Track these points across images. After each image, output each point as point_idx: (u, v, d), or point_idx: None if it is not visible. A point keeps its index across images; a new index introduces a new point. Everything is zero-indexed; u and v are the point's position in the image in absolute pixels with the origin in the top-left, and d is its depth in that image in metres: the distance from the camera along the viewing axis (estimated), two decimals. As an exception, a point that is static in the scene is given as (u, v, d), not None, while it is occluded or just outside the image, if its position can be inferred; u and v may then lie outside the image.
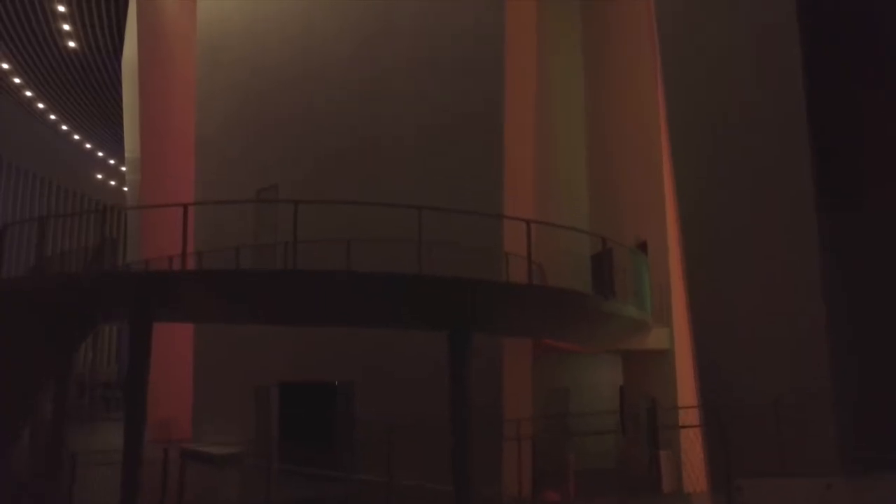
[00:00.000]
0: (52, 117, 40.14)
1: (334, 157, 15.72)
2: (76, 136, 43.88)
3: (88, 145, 45.78)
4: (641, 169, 15.15)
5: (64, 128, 42.11)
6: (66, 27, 28.18)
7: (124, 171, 47.74)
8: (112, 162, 49.00)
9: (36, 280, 10.51)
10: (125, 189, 49.47)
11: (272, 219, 13.55)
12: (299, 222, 14.10)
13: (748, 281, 11.70)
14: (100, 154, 47.64)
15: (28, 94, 36.11)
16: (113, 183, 51.18)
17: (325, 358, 15.37)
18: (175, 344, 19.51)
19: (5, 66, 32.37)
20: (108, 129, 41.63)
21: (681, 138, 13.16)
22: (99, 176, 50.23)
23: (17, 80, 34.23)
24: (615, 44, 16.75)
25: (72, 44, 29.78)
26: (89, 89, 35.79)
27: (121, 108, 33.39)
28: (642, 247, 14.69)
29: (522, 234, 12.63)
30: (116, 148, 44.53)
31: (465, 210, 10.50)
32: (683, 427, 12.51)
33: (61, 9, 26.57)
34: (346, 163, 15.53)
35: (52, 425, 13.50)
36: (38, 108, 38.21)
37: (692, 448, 12.45)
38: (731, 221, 12.18)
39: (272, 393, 16.39)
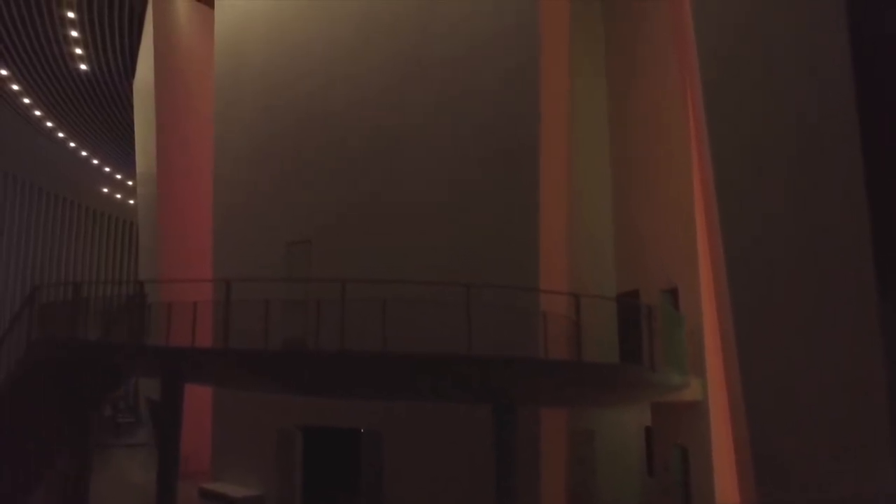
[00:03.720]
0: (61, 135, 40.06)
1: (359, 204, 15.36)
2: (84, 153, 43.81)
3: (95, 161, 45.72)
4: (671, 212, 14.90)
5: (72, 145, 42.02)
6: (78, 51, 28.03)
7: (131, 185, 47.88)
8: (119, 176, 48.98)
9: (68, 348, 10.34)
10: (131, 202, 49.76)
11: (304, 274, 13.33)
12: (331, 273, 13.89)
13: (802, 342, 11.00)
14: (106, 169, 47.59)
15: (37, 113, 36.00)
16: (119, 196, 51.19)
17: (351, 402, 15.17)
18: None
19: (15, 87, 32.27)
20: (115, 144, 41.57)
21: (728, 188, 12.03)
22: (105, 190, 50.19)
23: (26, 101, 34.13)
24: (642, 85, 16.55)
25: (83, 66, 29.63)
26: (98, 107, 35.67)
27: (129, 125, 33.32)
28: (673, 293, 14.50)
29: (558, 286, 12.46)
30: (122, 162, 44.51)
31: (509, 285, 10.28)
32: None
33: (74, 34, 26.45)
34: (373, 212, 15.15)
35: (74, 478, 13.40)
36: (46, 126, 38.12)
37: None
38: (782, 275, 11.35)
39: (296, 438, 16.14)
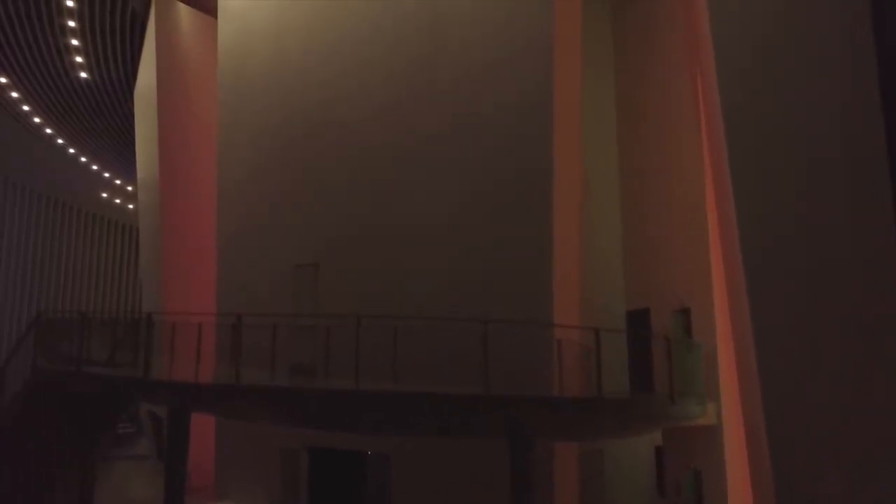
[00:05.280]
0: (60, 141, 39.88)
1: (367, 225, 15.01)
2: (83, 159, 43.64)
3: (95, 167, 45.59)
4: (683, 231, 14.68)
5: (71, 151, 41.82)
6: (79, 59, 27.78)
7: (130, 190, 47.81)
8: (118, 182, 48.92)
9: (77, 380, 10.12)
10: (130, 207, 49.71)
11: (311, 298, 13.06)
12: (338, 296, 13.64)
13: (825, 364, 10.36)
14: (106, 174, 47.50)
15: (36, 120, 35.78)
16: (118, 201, 51.10)
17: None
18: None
19: (14, 94, 32.04)
20: (114, 151, 41.48)
21: (748, 206, 11.27)
22: (104, 194, 50.11)
23: (25, 108, 33.88)
24: (651, 94, 16.33)
25: (83, 74, 29.38)
26: (98, 115, 35.48)
27: (128, 131, 33.21)
28: (685, 313, 14.30)
29: (570, 315, 12.24)
30: (121, 167, 44.39)
31: (525, 322, 10.04)
32: None
33: (74, 42, 26.19)
34: (381, 232, 14.81)
35: (79, 492, 13.29)
36: (45, 132, 37.93)
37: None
38: (804, 295, 10.63)
39: (301, 459, 15.88)
